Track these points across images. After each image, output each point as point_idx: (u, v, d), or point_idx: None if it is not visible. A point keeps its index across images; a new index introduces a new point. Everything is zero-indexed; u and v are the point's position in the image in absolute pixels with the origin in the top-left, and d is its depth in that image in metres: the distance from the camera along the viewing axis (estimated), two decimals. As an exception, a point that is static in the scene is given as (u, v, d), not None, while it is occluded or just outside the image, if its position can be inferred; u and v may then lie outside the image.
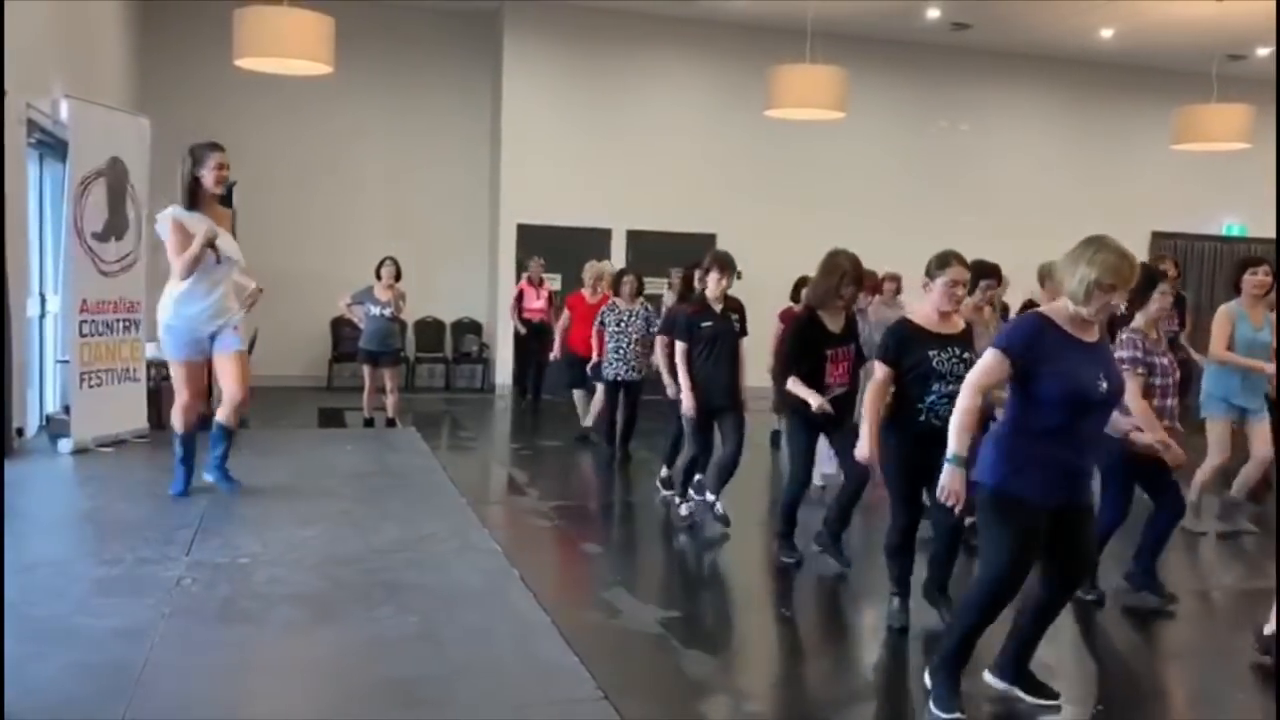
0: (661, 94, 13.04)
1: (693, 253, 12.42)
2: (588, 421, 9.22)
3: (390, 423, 9.36)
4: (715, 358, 6.02)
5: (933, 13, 12.23)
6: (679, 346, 6.08)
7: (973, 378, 3.43)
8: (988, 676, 3.69)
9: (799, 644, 4.62)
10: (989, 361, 3.36)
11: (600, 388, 8.76)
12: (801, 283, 8.79)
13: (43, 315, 8.08)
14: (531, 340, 11.65)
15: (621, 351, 8.11)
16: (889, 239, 13.30)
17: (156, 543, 5.01)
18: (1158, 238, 14.91)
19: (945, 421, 3.65)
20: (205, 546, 4.99)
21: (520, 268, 12.39)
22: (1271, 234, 13.47)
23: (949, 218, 13.59)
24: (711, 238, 13.00)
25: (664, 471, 6.98)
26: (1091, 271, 3.19)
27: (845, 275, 5.09)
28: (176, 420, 5.96)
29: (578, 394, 9.39)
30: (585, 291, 9.40)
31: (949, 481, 3.40)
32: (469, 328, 13.13)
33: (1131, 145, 14.59)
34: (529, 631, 4.07)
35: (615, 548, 6.13)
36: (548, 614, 4.24)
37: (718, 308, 6.08)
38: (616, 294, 8.42)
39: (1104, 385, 3.28)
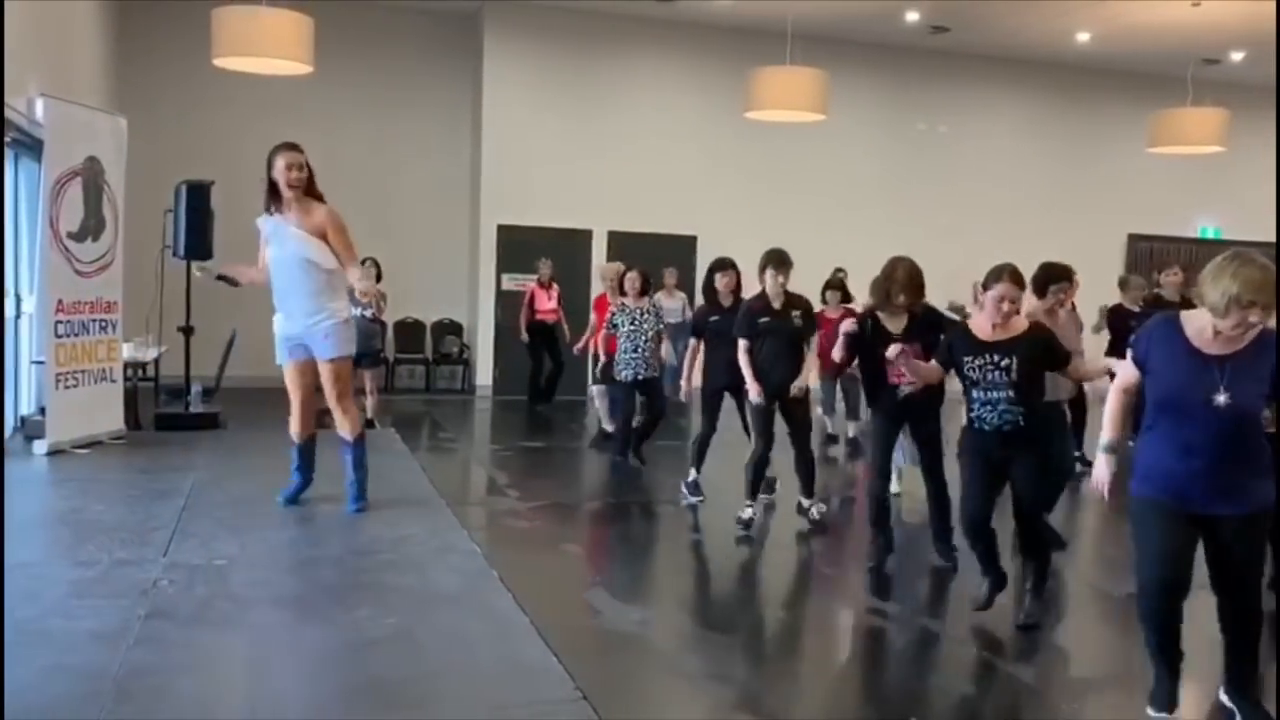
0: (642, 95, 13.05)
1: (673, 254, 12.61)
2: (609, 425, 9.19)
3: (369, 424, 9.28)
4: (772, 354, 6.16)
5: (912, 15, 12.29)
6: (741, 344, 6.23)
7: (1116, 379, 3.68)
8: (1220, 694, 3.64)
9: (783, 644, 4.63)
10: (1125, 362, 3.59)
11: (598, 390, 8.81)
12: (832, 284, 9.16)
13: (18, 315, 8.01)
14: (543, 342, 11.58)
15: (639, 350, 7.98)
16: (868, 239, 13.41)
17: (133, 544, 4.98)
18: (1134, 240, 15.05)
19: (992, 426, 4.34)
20: (182, 548, 4.97)
21: (501, 269, 12.40)
22: (1245, 236, 13.62)
23: (927, 218, 13.69)
24: (693, 239, 13.05)
25: (692, 475, 6.96)
26: (1234, 286, 3.20)
27: (896, 283, 5.28)
28: (290, 426, 5.97)
29: (598, 391, 9.35)
30: (607, 292, 9.26)
31: (1096, 470, 3.64)
32: (449, 329, 13.10)
33: (1108, 148, 14.70)
34: (508, 632, 4.07)
35: (596, 549, 6.13)
36: (527, 615, 4.24)
37: (777, 304, 6.20)
38: (621, 293, 8.36)
39: (1220, 397, 3.27)
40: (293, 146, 5.64)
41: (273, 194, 5.61)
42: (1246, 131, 13.00)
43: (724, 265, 6.89)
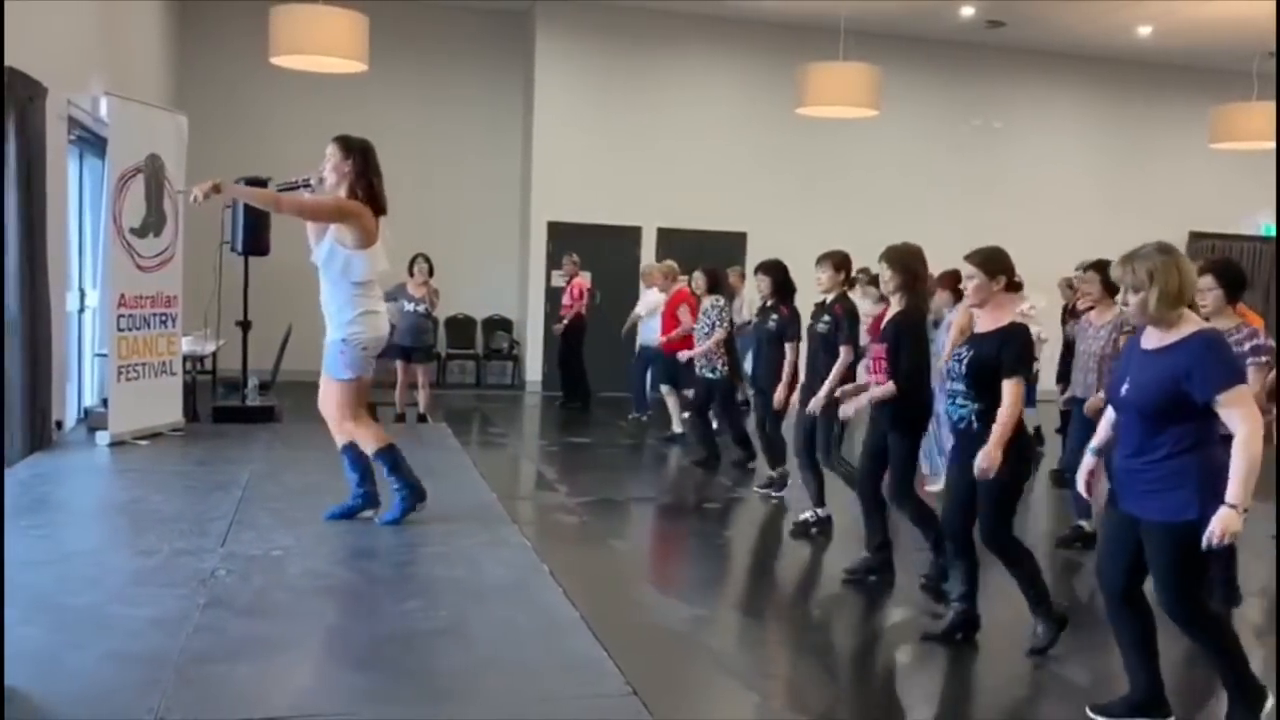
0: (693, 92, 13.02)
1: (723, 251, 12.56)
2: (678, 427, 9.20)
3: (422, 418, 9.43)
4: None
5: (967, 10, 12.14)
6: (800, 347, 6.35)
7: None
8: None
9: (831, 646, 4.59)
10: None
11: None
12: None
13: (81, 310, 8.20)
14: (574, 340, 11.38)
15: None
16: (920, 236, 13.17)
17: (192, 534, 5.08)
18: (1195, 238, 14.73)
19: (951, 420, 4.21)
20: (239, 539, 5.05)
21: (551, 265, 12.43)
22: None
23: (981, 215, 13.49)
24: (742, 235, 13.00)
25: (775, 471, 6.97)
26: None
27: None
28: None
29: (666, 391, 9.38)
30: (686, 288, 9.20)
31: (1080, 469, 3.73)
32: (499, 324, 13.19)
33: (1168, 144, 14.40)
34: (557, 626, 4.09)
35: (645, 545, 6.14)
36: (576, 609, 4.25)
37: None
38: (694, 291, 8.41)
39: (1125, 388, 3.31)
40: (337, 139, 5.41)
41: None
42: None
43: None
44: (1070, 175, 14.24)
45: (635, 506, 7.10)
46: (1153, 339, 3.28)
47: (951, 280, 6.65)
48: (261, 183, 8.41)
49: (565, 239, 12.44)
